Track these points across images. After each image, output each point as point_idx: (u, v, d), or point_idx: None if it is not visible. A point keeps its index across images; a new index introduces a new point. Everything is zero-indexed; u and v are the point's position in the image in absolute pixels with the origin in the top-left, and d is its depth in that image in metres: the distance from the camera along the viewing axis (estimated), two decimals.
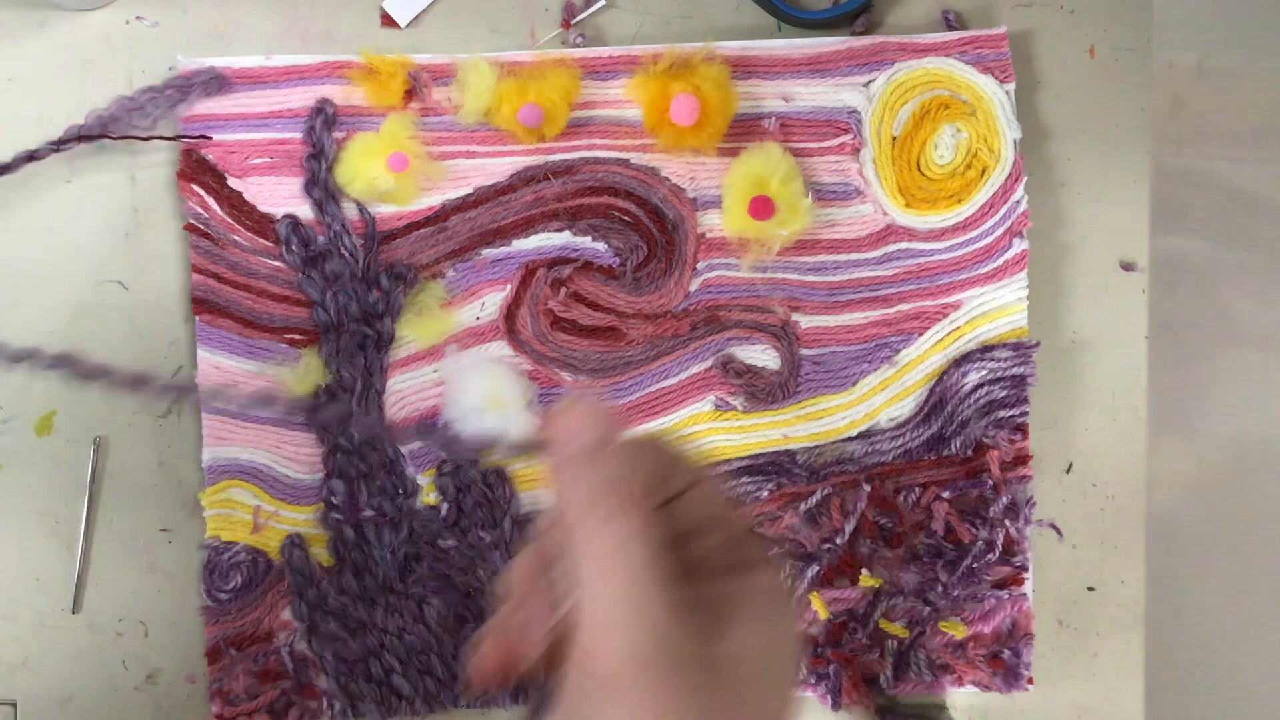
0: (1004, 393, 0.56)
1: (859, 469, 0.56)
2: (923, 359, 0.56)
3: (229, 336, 0.56)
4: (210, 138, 0.56)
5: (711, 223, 0.57)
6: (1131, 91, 0.57)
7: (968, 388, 0.56)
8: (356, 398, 0.56)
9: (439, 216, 0.57)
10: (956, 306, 0.56)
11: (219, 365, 0.56)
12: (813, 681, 0.56)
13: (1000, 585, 0.56)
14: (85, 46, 0.57)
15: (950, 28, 0.57)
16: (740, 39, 0.57)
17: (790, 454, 0.57)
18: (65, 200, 0.57)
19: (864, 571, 0.55)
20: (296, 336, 0.56)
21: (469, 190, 0.57)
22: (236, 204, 0.56)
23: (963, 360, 0.56)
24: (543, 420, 0.31)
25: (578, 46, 0.57)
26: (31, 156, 0.55)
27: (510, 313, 0.57)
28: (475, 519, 0.56)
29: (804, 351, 0.57)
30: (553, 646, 0.32)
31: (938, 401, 0.56)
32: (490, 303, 0.57)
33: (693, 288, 0.57)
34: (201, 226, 0.56)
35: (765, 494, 0.56)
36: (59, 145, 0.55)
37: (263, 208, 0.56)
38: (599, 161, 0.57)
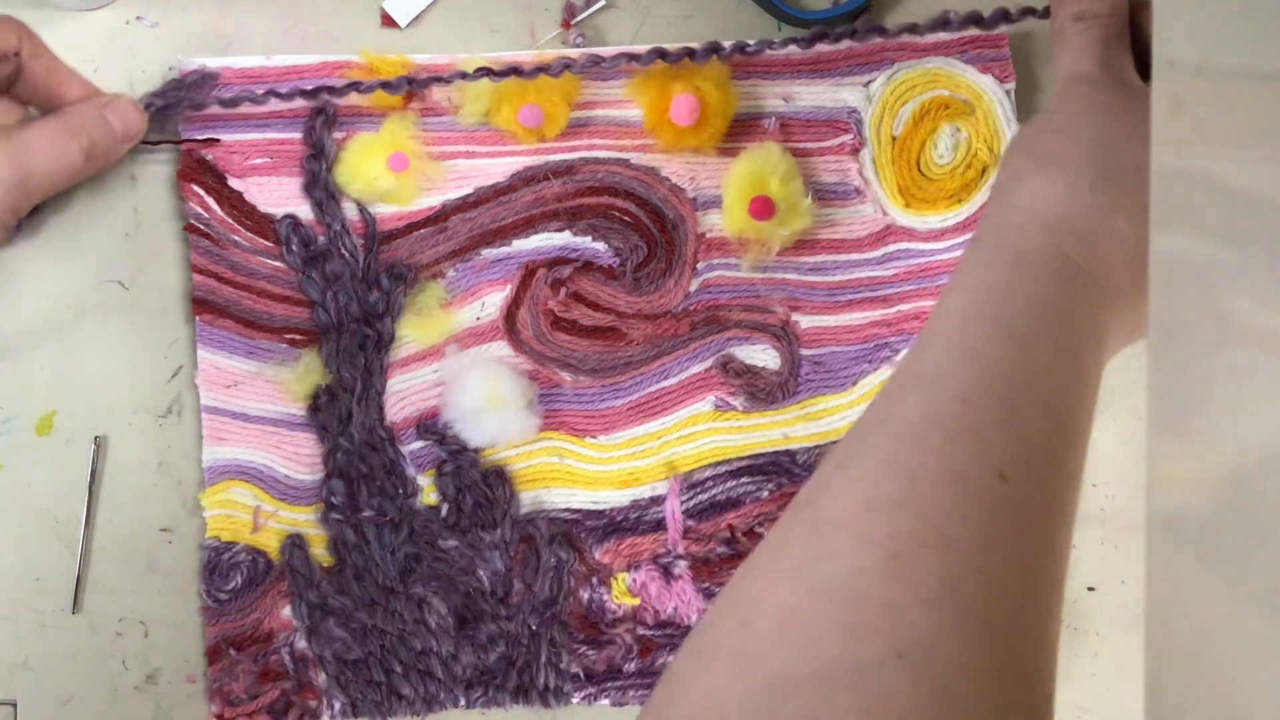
0: None
1: None
2: None
3: (229, 336, 0.56)
4: (218, 140, 0.56)
5: (711, 223, 0.57)
6: None
7: None
8: (356, 398, 0.56)
9: (439, 216, 0.57)
10: None
11: (219, 365, 0.56)
12: None
13: None
14: (85, 46, 0.57)
15: None
16: (740, 39, 0.57)
17: (790, 454, 0.57)
18: (65, 200, 0.57)
19: None
20: (296, 336, 0.56)
21: (469, 190, 0.57)
22: (236, 204, 0.56)
23: None
24: None
25: (578, 47, 0.57)
26: None
27: (510, 313, 0.57)
28: (475, 519, 0.56)
29: (804, 351, 0.57)
30: None
31: None
32: (490, 303, 0.57)
33: (693, 288, 0.57)
34: (201, 226, 0.56)
35: (765, 494, 0.56)
36: None
37: (263, 208, 0.56)
38: (599, 161, 0.57)
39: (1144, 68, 0.44)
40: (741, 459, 0.57)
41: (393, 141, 0.55)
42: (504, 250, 0.57)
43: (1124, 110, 0.41)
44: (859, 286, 0.57)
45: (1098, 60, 0.43)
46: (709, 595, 0.56)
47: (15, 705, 0.56)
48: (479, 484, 0.56)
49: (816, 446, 0.57)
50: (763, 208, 0.55)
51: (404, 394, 0.56)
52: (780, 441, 0.57)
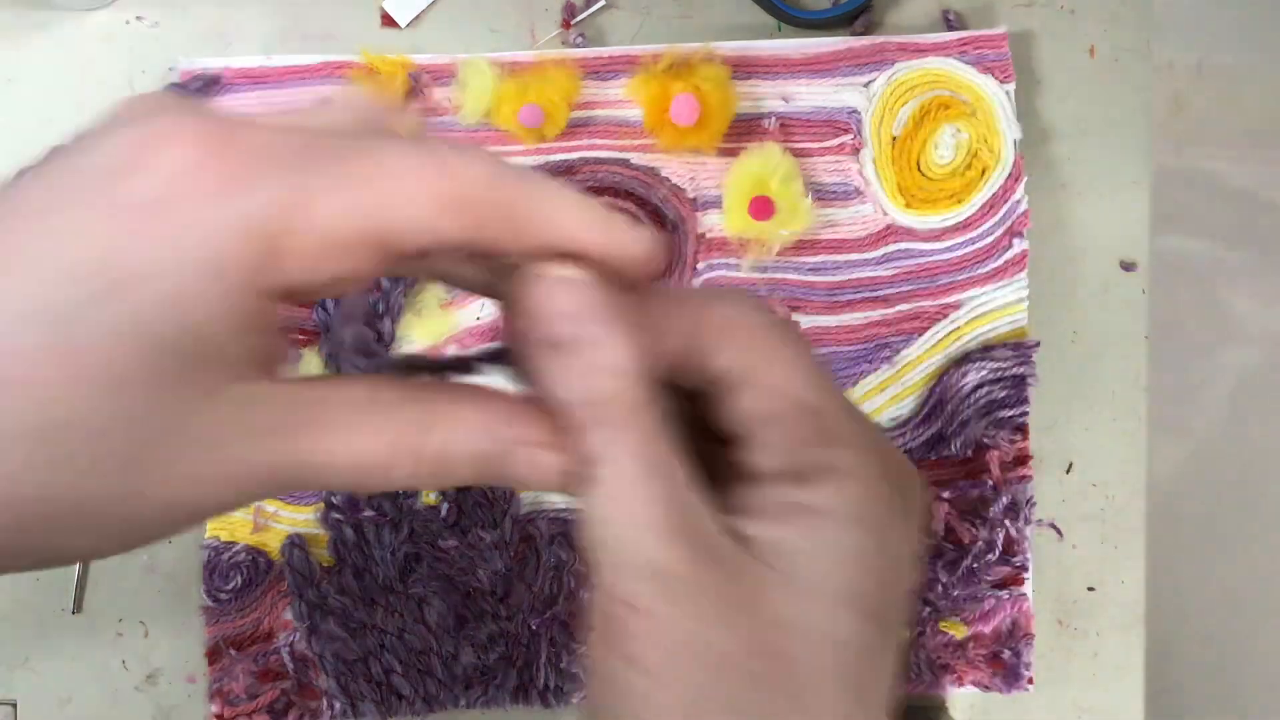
0: (1004, 393, 0.56)
1: None
2: (923, 359, 0.56)
3: None
4: None
5: (711, 223, 0.57)
6: (1131, 91, 0.57)
7: (968, 388, 0.56)
8: None
9: None
10: (956, 307, 0.56)
11: None
12: None
13: (1000, 585, 0.56)
14: (85, 46, 0.57)
15: (950, 28, 0.57)
16: (740, 39, 0.57)
17: None
18: None
19: None
20: (297, 336, 0.56)
21: None
22: None
23: (963, 360, 0.56)
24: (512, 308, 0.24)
25: (578, 46, 0.57)
26: None
27: None
28: (475, 519, 0.56)
29: None
30: None
31: (938, 402, 0.56)
32: (490, 302, 0.57)
33: None
34: None
35: None
36: None
37: None
38: (599, 161, 0.57)
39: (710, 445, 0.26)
40: None
41: None
42: None
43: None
44: (859, 286, 0.57)
45: (679, 527, 0.24)
46: None
47: (15, 705, 0.56)
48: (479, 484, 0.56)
49: None
50: (763, 208, 0.55)
51: None
52: None
